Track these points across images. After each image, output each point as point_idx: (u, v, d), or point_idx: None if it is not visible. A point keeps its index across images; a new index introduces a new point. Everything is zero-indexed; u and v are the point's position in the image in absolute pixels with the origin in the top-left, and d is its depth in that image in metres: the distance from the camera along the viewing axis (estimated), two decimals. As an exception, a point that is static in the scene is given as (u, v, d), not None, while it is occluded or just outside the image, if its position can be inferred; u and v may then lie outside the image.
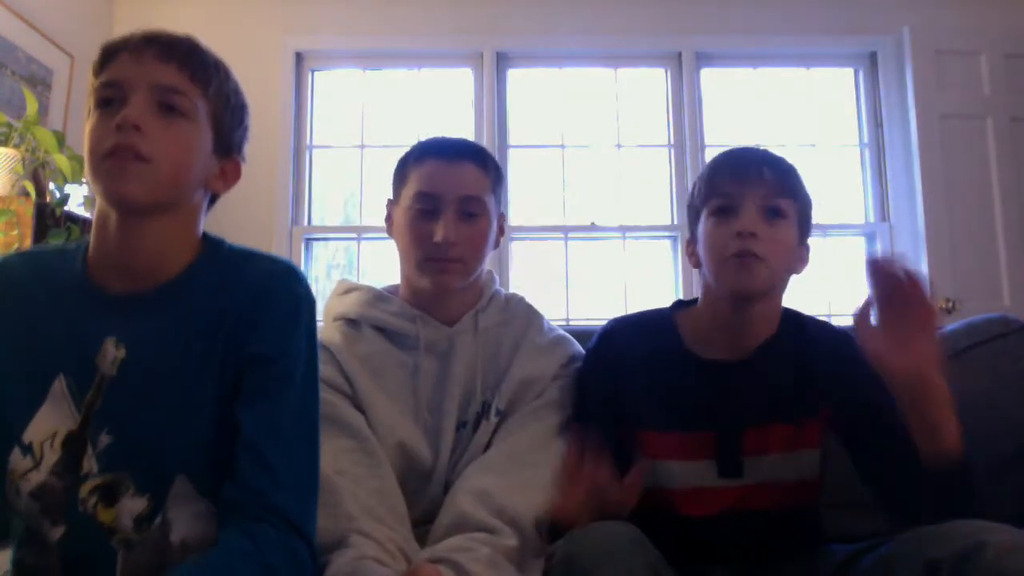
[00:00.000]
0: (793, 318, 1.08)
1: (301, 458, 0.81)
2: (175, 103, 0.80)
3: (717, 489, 1.02)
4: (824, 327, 1.10)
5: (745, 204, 0.98)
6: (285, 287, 0.85)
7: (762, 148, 1.07)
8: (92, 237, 0.84)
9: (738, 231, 0.97)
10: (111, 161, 0.76)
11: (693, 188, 1.08)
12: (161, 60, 0.81)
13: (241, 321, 0.82)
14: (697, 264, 1.06)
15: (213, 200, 0.90)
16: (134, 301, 0.83)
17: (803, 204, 1.03)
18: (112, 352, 0.81)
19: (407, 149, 1.14)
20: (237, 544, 0.74)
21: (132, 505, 0.79)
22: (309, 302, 0.87)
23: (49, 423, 0.80)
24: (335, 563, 0.83)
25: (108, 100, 0.79)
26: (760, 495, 1.01)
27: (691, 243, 1.08)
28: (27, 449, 0.80)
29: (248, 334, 0.82)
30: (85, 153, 0.79)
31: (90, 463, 0.79)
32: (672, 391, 1.03)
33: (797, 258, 1.04)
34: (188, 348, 0.82)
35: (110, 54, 0.81)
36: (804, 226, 1.04)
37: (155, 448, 0.80)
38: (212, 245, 0.88)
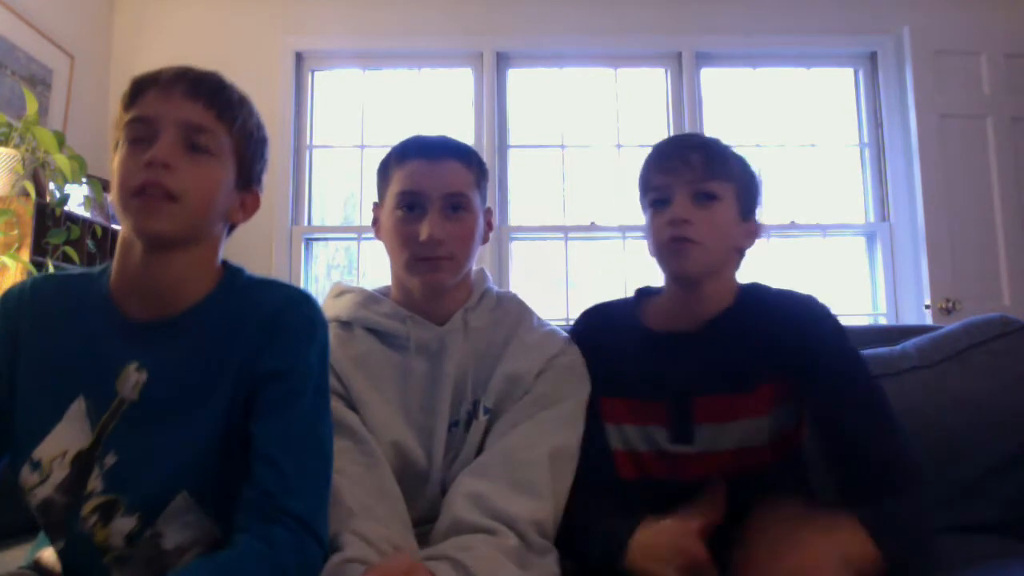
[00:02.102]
0: (751, 291, 1.10)
1: (312, 465, 0.83)
2: (202, 141, 0.82)
3: (671, 454, 1.05)
4: (785, 296, 1.09)
5: (676, 193, 1.03)
6: (300, 311, 0.88)
7: (692, 134, 1.08)
8: (115, 264, 0.86)
9: (670, 219, 1.02)
10: (141, 199, 0.79)
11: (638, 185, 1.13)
12: (189, 98, 0.82)
13: (255, 343, 0.85)
14: (652, 253, 1.10)
15: (231, 229, 0.93)
16: (155, 327, 0.85)
17: (740, 182, 1.05)
18: (134, 377, 0.83)
19: (389, 150, 1.13)
20: (250, 545, 0.75)
21: (121, 524, 0.80)
22: (323, 325, 0.90)
23: (61, 442, 0.82)
24: (326, 566, 0.83)
25: (138, 135, 0.81)
26: (710, 461, 1.03)
27: (647, 238, 1.12)
28: (36, 465, 0.81)
29: (262, 353, 0.84)
30: (114, 186, 0.81)
31: (95, 482, 0.81)
32: (626, 361, 1.09)
33: (741, 234, 1.06)
34: (204, 371, 0.84)
35: (139, 89, 0.83)
36: (746, 203, 1.06)
37: (160, 467, 0.81)
38: (231, 273, 0.91)
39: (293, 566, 0.77)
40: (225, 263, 0.92)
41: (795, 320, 1.04)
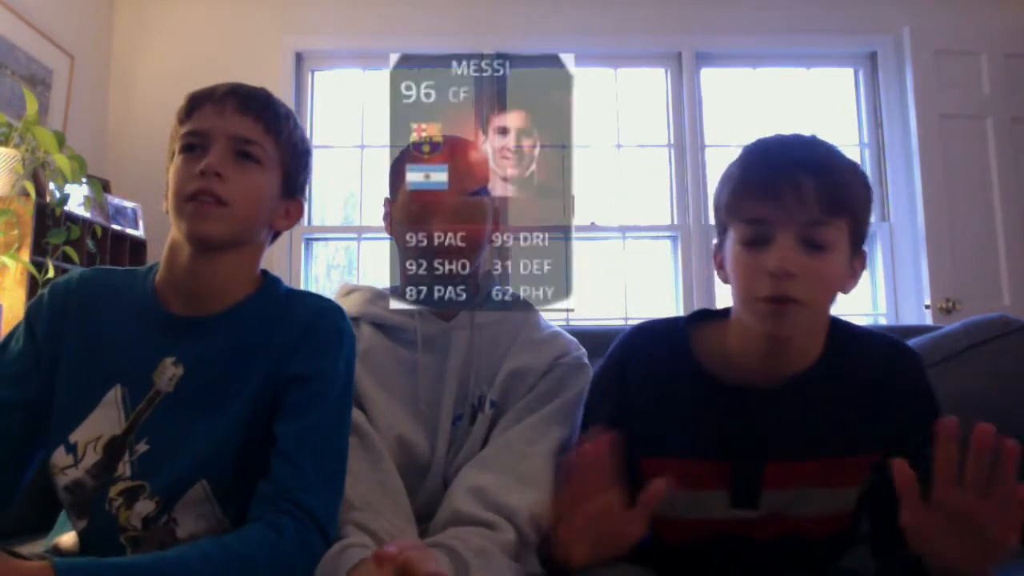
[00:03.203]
0: (842, 337, 0.91)
1: (329, 466, 0.87)
2: (251, 152, 0.89)
3: (725, 520, 0.91)
4: (880, 348, 0.92)
5: (780, 233, 0.80)
6: (330, 320, 0.93)
7: (804, 143, 0.87)
8: (162, 263, 0.92)
9: (771, 271, 0.79)
10: (194, 204, 0.85)
11: (719, 188, 0.90)
12: (240, 112, 0.89)
13: (286, 348, 0.90)
14: (726, 280, 0.90)
15: (276, 236, 0.99)
16: (194, 324, 0.90)
17: (858, 213, 0.83)
18: (171, 370, 0.88)
19: (403, 147, 1.16)
20: (258, 531, 0.79)
21: (141, 507, 0.84)
22: (351, 336, 0.95)
23: (96, 427, 0.86)
24: (327, 552, 0.85)
25: (191, 146, 0.88)
26: (770, 525, 0.90)
27: (718, 253, 0.91)
28: (71, 448, 0.86)
29: (291, 358, 0.89)
30: (169, 193, 0.88)
31: (124, 467, 0.85)
32: (683, 415, 0.90)
33: (849, 277, 0.86)
34: (236, 369, 0.89)
35: (194, 104, 0.90)
36: (859, 236, 0.85)
37: (185, 456, 0.85)
38: (270, 282, 0.97)
39: (297, 558, 0.79)
40: (264, 272, 0.98)
41: (898, 384, 0.89)
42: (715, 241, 0.93)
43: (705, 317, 0.98)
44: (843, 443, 0.88)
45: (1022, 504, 0.67)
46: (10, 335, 0.92)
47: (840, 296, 0.86)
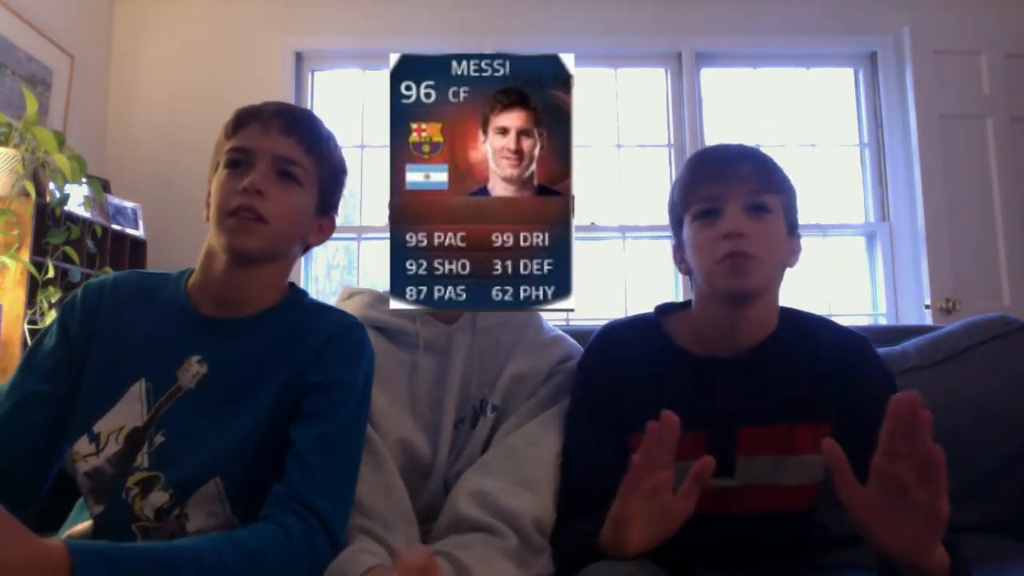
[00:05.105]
0: (794, 316, 1.04)
1: (342, 472, 0.89)
2: (292, 172, 0.93)
3: (707, 489, 0.93)
4: (830, 328, 1.05)
5: (729, 204, 0.96)
6: (352, 334, 0.97)
7: (739, 144, 1.03)
8: (197, 269, 0.96)
9: (726, 233, 0.94)
10: (235, 219, 0.89)
11: (672, 193, 1.05)
12: (284, 133, 0.94)
13: (308, 358, 0.93)
14: (687, 271, 1.04)
15: (307, 250, 1.04)
16: (221, 324, 0.94)
17: (788, 196, 1.00)
18: (195, 368, 0.91)
19: None
20: (267, 529, 0.80)
21: (155, 498, 0.87)
22: (370, 351, 0.98)
23: (120, 418, 0.89)
24: (338, 556, 0.85)
25: (236, 162, 0.92)
26: (750, 497, 0.97)
27: (678, 250, 1.06)
28: (94, 437, 0.89)
29: (312, 368, 0.93)
30: (212, 205, 0.92)
31: (143, 458, 0.88)
32: (664, 389, 1.00)
33: (789, 251, 1.00)
34: (258, 372, 0.92)
35: (242, 121, 0.94)
36: (792, 218, 1.01)
37: (201, 452, 0.88)
38: (297, 294, 1.01)
39: (303, 558, 0.80)
40: (292, 284, 1.02)
41: (854, 360, 0.99)
42: (673, 242, 1.08)
43: (669, 310, 1.10)
44: (804, 409, 0.97)
45: (939, 465, 0.71)
46: (44, 331, 0.95)
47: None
